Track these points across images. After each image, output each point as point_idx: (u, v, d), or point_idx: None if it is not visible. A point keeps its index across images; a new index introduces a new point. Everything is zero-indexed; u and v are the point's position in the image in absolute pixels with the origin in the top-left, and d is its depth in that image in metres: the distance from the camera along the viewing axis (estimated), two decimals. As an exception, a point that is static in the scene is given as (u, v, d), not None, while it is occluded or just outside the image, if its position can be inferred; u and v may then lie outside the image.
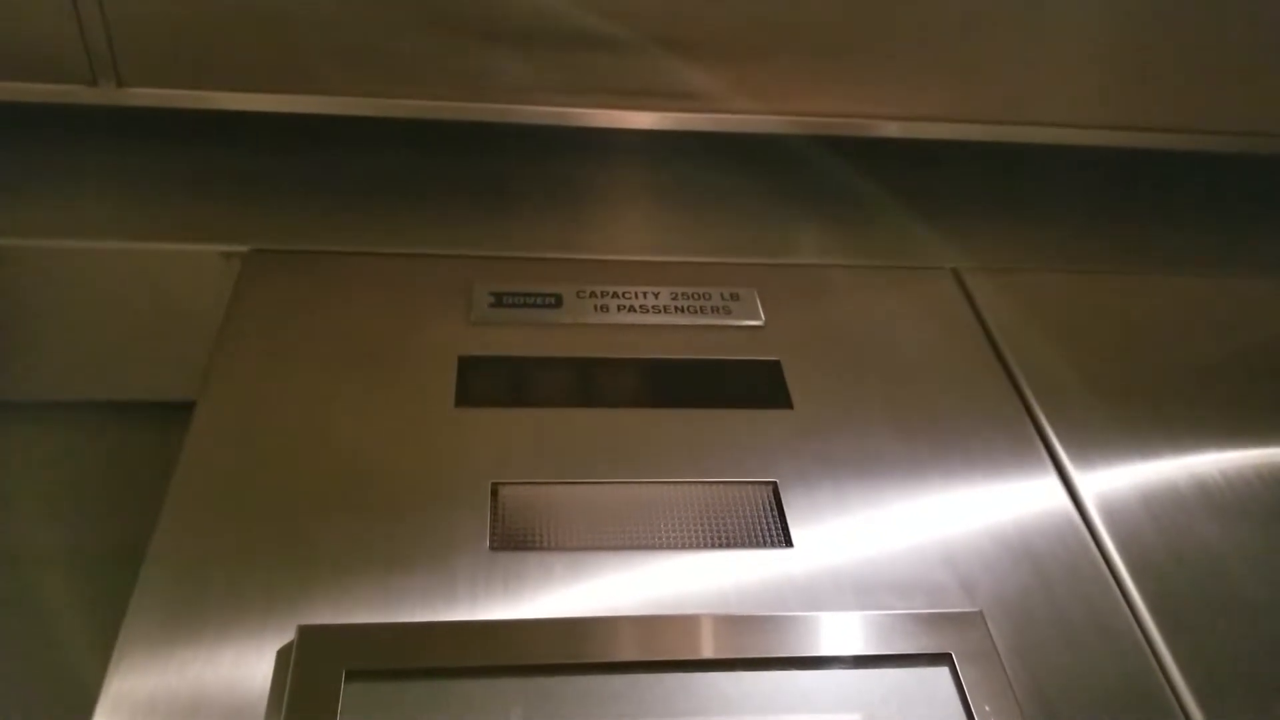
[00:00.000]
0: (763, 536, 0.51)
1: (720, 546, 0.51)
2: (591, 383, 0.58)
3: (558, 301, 0.62)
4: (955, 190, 0.76)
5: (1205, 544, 0.54)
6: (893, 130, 0.69)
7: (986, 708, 0.44)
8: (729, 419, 0.57)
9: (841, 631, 0.46)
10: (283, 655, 0.44)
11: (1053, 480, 0.56)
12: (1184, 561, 0.53)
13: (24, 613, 0.64)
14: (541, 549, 0.50)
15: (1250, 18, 0.66)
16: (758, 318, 0.63)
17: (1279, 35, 0.67)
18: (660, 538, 0.51)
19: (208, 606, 0.46)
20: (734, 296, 0.64)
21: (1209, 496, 0.57)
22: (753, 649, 0.45)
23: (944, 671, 0.46)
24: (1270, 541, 0.55)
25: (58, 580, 0.65)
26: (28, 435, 0.68)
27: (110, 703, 0.43)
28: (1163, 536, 0.54)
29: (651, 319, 0.62)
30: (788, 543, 0.51)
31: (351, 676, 0.43)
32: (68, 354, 0.66)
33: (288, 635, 0.44)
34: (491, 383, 0.57)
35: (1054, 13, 0.65)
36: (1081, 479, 0.57)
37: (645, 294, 0.64)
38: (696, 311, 0.63)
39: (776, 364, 0.61)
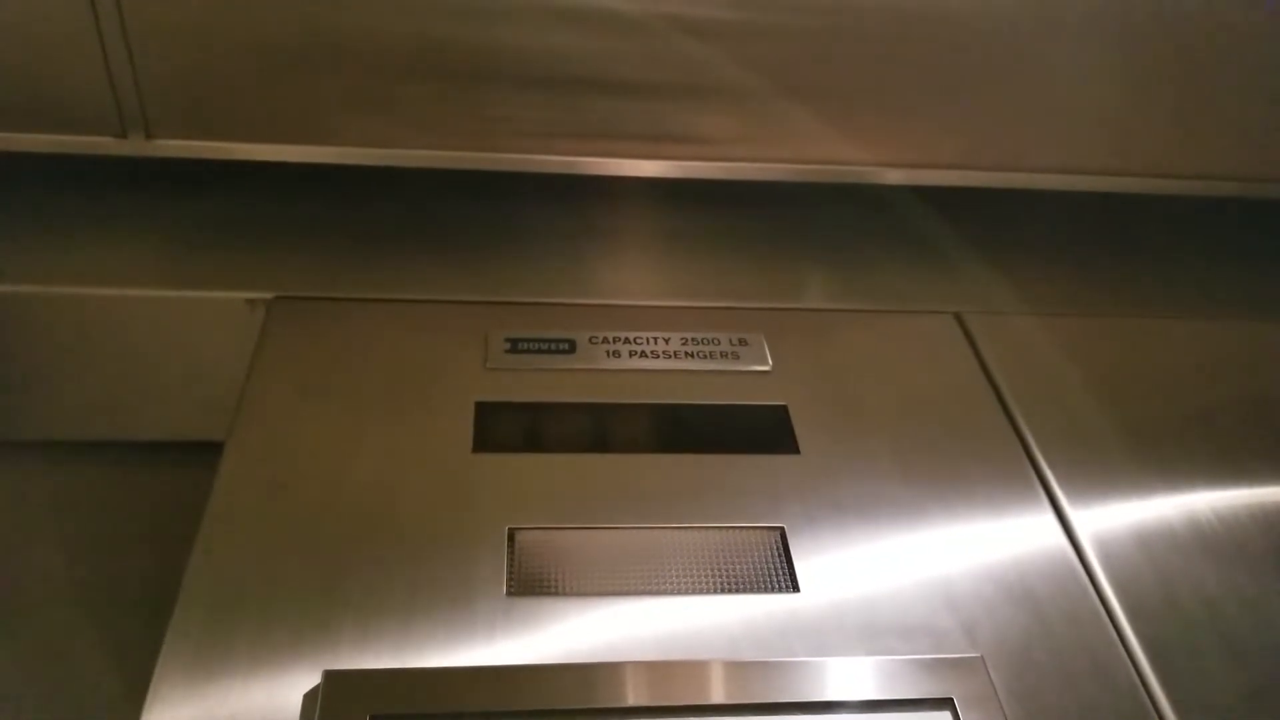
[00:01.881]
0: (771, 581, 0.53)
1: (730, 591, 0.52)
2: (604, 428, 0.60)
3: (571, 347, 0.64)
4: (958, 235, 0.78)
5: (1200, 587, 0.56)
6: (896, 178, 0.71)
7: (986, 752, 0.46)
8: (738, 464, 0.59)
9: (846, 677, 0.48)
10: (309, 699, 0.46)
11: (1052, 523, 0.58)
12: (1179, 605, 0.55)
13: (54, 652, 0.66)
14: (556, 594, 0.51)
15: (1248, 65, 0.68)
16: (765, 363, 0.65)
17: (1274, 81, 0.69)
18: (671, 583, 0.52)
19: (238, 649, 0.47)
20: (742, 342, 0.66)
21: (1204, 539, 0.58)
22: (761, 694, 0.47)
23: (946, 716, 0.47)
24: (1263, 585, 0.56)
25: (92, 617, 0.66)
26: (61, 474, 0.70)
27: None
28: (1158, 579, 0.56)
29: (662, 364, 0.64)
30: (795, 587, 0.52)
31: (376, 720, 0.44)
32: (98, 396, 0.67)
33: (314, 678, 0.46)
34: (508, 429, 0.59)
35: (1054, 62, 0.66)
36: (1079, 521, 0.58)
37: (656, 339, 0.65)
38: (706, 356, 0.65)
39: (784, 409, 0.62)
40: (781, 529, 0.55)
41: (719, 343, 0.66)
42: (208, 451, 0.57)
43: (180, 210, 0.71)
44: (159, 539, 0.59)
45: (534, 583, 0.52)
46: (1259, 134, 0.71)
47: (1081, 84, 0.68)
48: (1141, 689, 0.51)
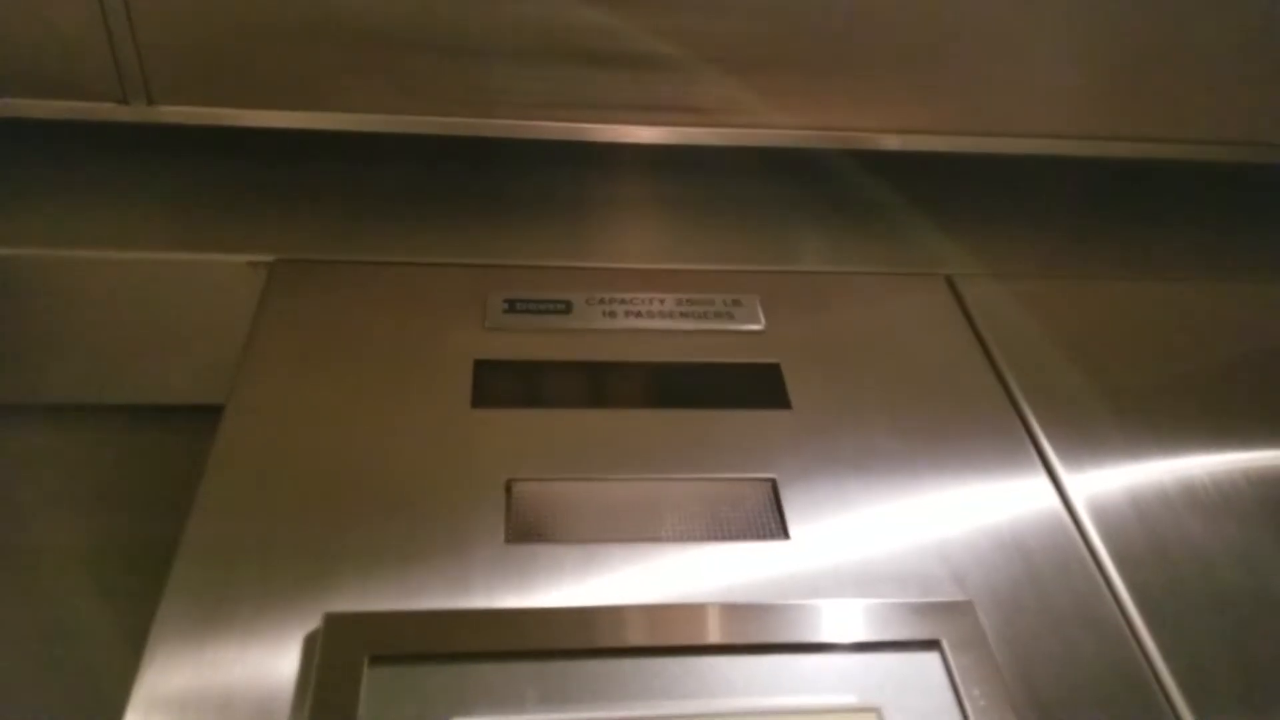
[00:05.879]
0: (762, 530, 0.54)
1: (722, 539, 0.53)
2: (600, 385, 0.61)
3: (568, 308, 0.65)
4: (949, 199, 0.79)
5: (1190, 539, 0.56)
6: (893, 144, 0.71)
7: (975, 691, 0.46)
8: (731, 419, 0.59)
9: (838, 618, 0.49)
10: (309, 642, 0.46)
11: (1042, 478, 0.59)
12: (1168, 556, 0.55)
13: (58, 610, 0.67)
14: (553, 542, 0.52)
15: (1235, 29, 0.68)
16: (758, 322, 0.66)
17: (1263, 45, 0.69)
18: (665, 531, 0.53)
19: (239, 598, 0.48)
20: (736, 302, 0.67)
21: (1194, 496, 0.59)
22: (754, 635, 0.47)
23: (935, 657, 0.48)
24: (1252, 537, 0.57)
25: (94, 577, 0.67)
26: (64, 436, 0.70)
27: (146, 689, 0.45)
28: (1148, 532, 0.57)
29: (657, 324, 0.65)
30: (785, 536, 0.53)
31: (375, 661, 0.45)
32: (101, 359, 0.68)
33: (314, 623, 0.47)
34: (506, 385, 0.60)
35: (1046, 29, 0.67)
36: (1070, 477, 0.59)
37: (651, 300, 0.66)
38: (700, 317, 0.66)
39: (776, 367, 0.63)
40: (773, 480, 0.56)
41: (713, 303, 0.66)
42: (209, 414, 0.57)
43: (182, 174, 0.72)
44: (160, 502, 0.60)
45: (532, 531, 0.52)
46: (1250, 97, 0.72)
47: (1069, 49, 0.68)
48: (1129, 633, 0.51)
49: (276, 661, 0.46)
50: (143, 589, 0.50)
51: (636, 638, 0.47)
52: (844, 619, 0.49)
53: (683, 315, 0.65)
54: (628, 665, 0.46)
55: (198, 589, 0.49)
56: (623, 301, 0.66)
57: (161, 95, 0.65)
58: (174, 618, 0.47)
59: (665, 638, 0.47)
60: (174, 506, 0.53)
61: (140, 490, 0.70)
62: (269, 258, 0.66)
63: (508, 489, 0.54)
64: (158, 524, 0.55)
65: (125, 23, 0.62)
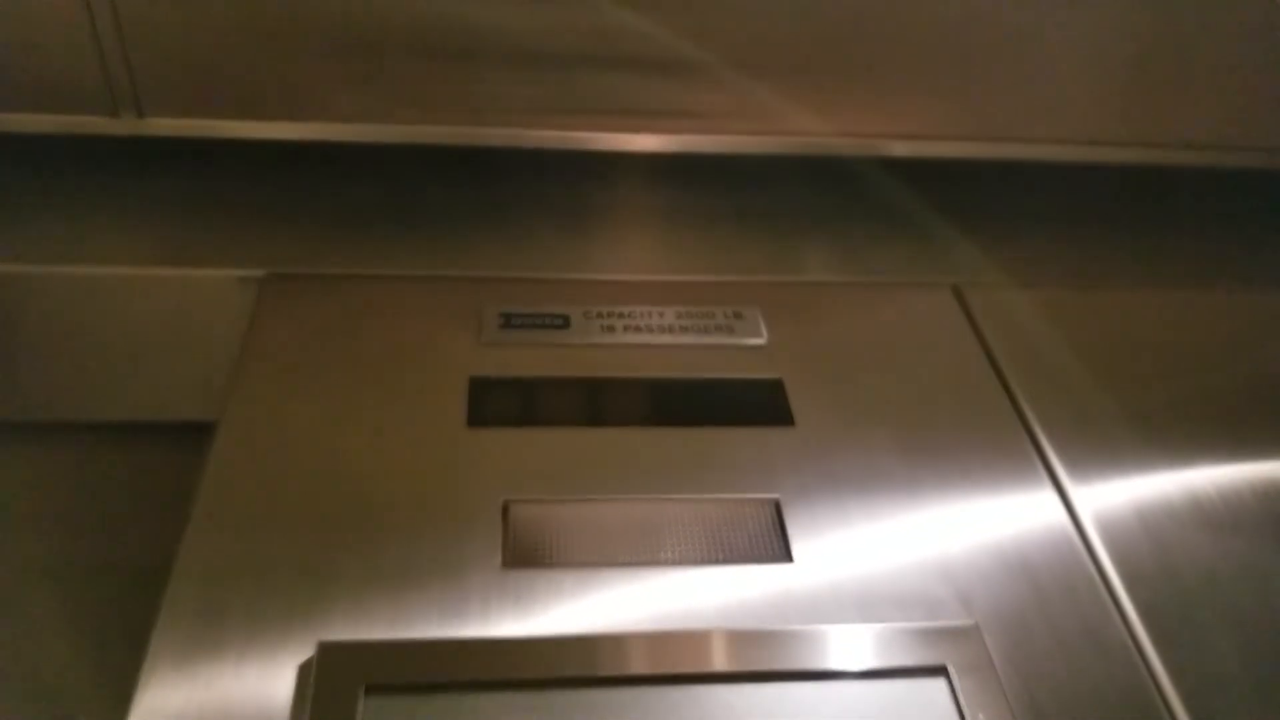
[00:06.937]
0: (765, 552, 0.53)
1: (724, 562, 0.52)
2: (599, 402, 0.60)
3: (565, 322, 0.64)
4: (956, 207, 0.77)
5: (1199, 558, 0.56)
6: (899, 150, 0.70)
7: (981, 718, 0.46)
8: (732, 437, 0.58)
9: (841, 645, 0.48)
10: (304, 670, 0.46)
11: (1050, 496, 0.58)
12: (1178, 576, 0.55)
13: (48, 631, 0.66)
14: (551, 566, 0.51)
15: (1247, 34, 0.67)
16: (760, 336, 0.65)
17: (1275, 51, 0.68)
18: (666, 553, 0.52)
19: (232, 623, 0.48)
20: (737, 315, 0.66)
21: (1203, 511, 0.58)
22: (756, 662, 0.47)
23: (941, 683, 0.47)
24: (1263, 556, 0.56)
25: (83, 599, 0.66)
26: (54, 454, 0.70)
27: (140, 716, 0.44)
28: (1157, 551, 0.56)
29: (657, 338, 0.64)
30: (789, 558, 0.52)
31: (371, 691, 0.44)
32: (91, 376, 0.67)
33: (308, 651, 0.46)
34: (502, 403, 0.59)
35: (1053, 34, 0.66)
36: (1077, 494, 0.58)
37: (650, 314, 0.65)
38: (701, 330, 0.65)
39: (779, 382, 0.62)
40: (776, 500, 0.55)
41: (714, 316, 0.65)
42: (200, 432, 0.57)
43: (172, 187, 0.71)
44: (150, 521, 0.59)
45: (529, 555, 0.52)
46: (1261, 103, 0.71)
47: (1076, 54, 0.68)
48: (1138, 657, 0.51)
49: (271, 688, 0.46)
50: (136, 610, 0.49)
51: (638, 666, 0.46)
52: (850, 645, 0.48)
53: (683, 329, 0.64)
54: (628, 695, 0.46)
55: (192, 613, 0.48)
56: (622, 315, 0.65)
57: (151, 108, 0.64)
58: (169, 642, 0.47)
59: (667, 666, 0.46)
60: (166, 525, 0.52)
61: (132, 508, 0.69)
62: (260, 272, 0.65)
63: (504, 511, 0.53)
64: (149, 543, 0.54)
65: (115, 35, 0.61)
